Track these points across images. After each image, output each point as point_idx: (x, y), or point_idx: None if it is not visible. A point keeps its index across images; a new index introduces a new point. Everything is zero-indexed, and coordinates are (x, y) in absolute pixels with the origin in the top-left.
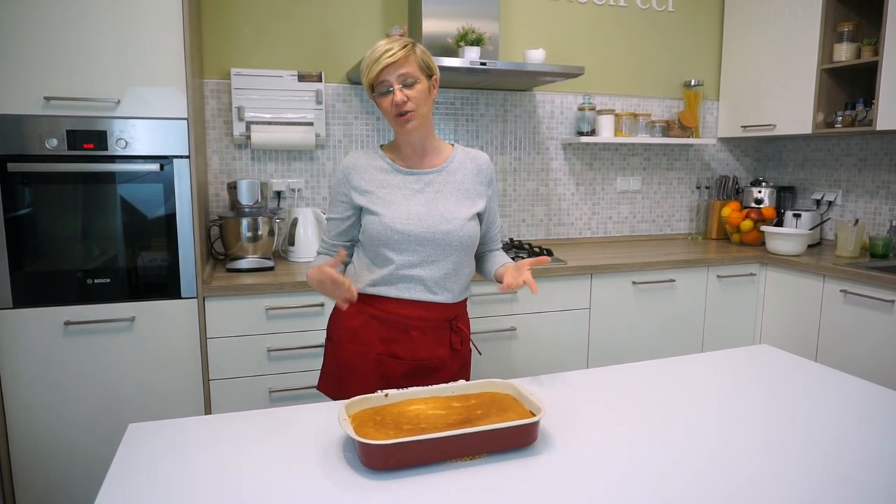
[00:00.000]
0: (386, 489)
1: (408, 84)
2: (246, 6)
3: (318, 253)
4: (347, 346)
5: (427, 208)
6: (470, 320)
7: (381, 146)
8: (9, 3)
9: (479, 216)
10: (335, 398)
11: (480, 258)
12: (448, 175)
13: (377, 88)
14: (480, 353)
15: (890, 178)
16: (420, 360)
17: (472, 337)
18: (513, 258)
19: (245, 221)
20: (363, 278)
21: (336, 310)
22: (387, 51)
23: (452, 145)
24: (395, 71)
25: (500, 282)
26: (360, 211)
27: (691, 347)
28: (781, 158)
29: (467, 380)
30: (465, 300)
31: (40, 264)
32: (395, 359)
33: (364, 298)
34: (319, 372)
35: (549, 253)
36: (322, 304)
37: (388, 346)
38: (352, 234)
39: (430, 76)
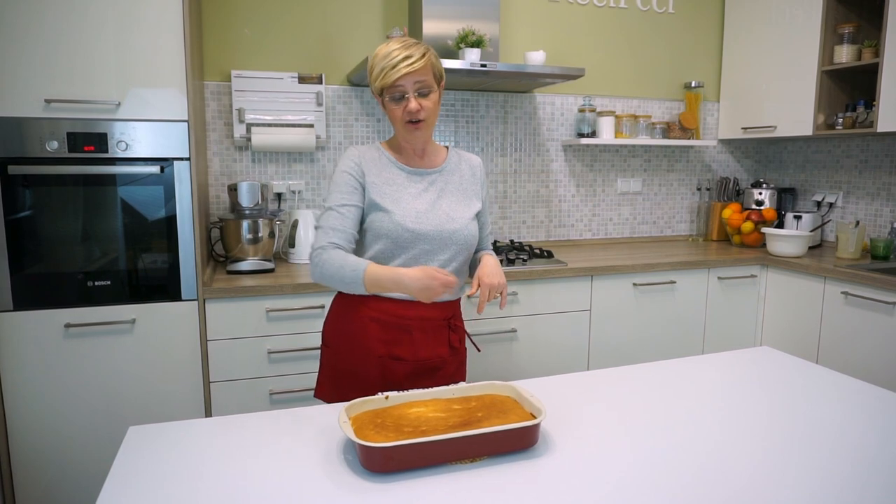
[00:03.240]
0: (386, 492)
1: (423, 93)
2: (246, 8)
3: (332, 248)
4: (347, 352)
5: (433, 207)
6: (465, 322)
7: (381, 143)
8: (9, 4)
9: (477, 217)
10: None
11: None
12: (448, 175)
13: (390, 93)
14: (479, 350)
15: (891, 180)
16: (421, 360)
17: (471, 336)
18: (513, 260)
19: (245, 223)
20: None
21: (332, 315)
22: (406, 57)
23: (446, 147)
24: (412, 79)
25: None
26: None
27: (692, 349)
28: (782, 160)
29: (464, 378)
30: (459, 298)
31: (41, 266)
32: (397, 360)
33: (361, 300)
34: (316, 379)
35: (550, 255)
36: (322, 307)
37: (390, 347)
38: (358, 227)
39: (439, 81)
